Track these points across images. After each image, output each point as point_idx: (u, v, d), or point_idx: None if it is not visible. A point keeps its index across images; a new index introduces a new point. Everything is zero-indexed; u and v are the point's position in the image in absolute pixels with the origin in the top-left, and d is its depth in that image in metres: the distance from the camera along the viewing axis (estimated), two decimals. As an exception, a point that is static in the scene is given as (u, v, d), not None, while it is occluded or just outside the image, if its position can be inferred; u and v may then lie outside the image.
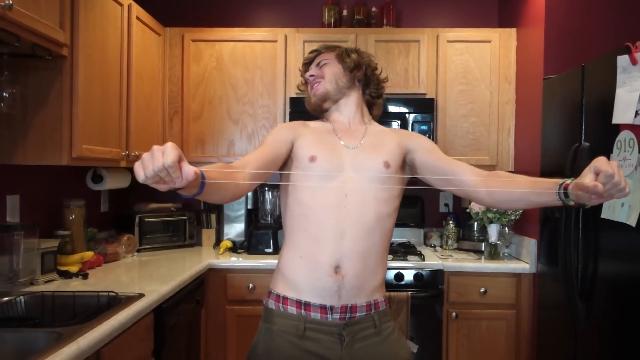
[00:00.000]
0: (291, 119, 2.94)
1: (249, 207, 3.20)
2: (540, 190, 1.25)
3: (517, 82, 2.94)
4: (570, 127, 2.14)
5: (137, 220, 2.97)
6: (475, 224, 2.95)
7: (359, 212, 1.44)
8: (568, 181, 1.17)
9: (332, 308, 1.42)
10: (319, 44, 3.01)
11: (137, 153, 2.58)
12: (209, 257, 2.81)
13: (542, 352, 2.43)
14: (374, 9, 3.26)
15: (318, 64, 1.64)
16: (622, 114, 1.70)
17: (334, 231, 1.44)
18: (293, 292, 1.46)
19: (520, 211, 2.69)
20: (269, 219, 3.10)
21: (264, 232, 2.93)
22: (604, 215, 1.81)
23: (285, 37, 3.04)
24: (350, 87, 1.61)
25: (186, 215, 3.15)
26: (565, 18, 2.55)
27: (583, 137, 2.03)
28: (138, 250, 2.93)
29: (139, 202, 3.16)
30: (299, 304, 1.45)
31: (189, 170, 0.96)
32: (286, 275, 1.50)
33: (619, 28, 2.51)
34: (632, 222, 1.62)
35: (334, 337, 1.42)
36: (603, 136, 1.85)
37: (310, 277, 1.44)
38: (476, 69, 2.97)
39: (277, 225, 3.03)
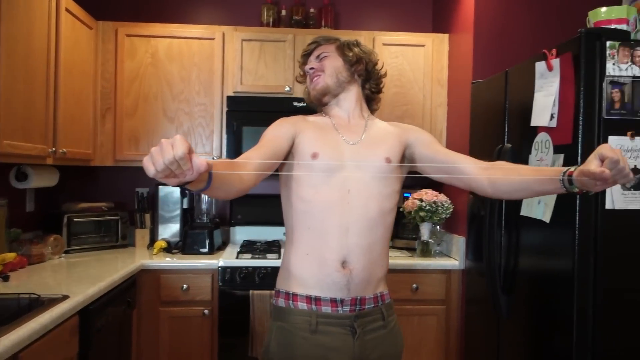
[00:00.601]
0: (228, 118, 2.92)
1: (185, 206, 3.14)
2: (544, 178, 1.25)
3: (449, 85, 3.05)
4: (495, 129, 2.24)
5: (65, 220, 2.85)
6: (409, 223, 3.03)
7: (362, 208, 1.45)
8: (572, 169, 1.18)
9: (342, 301, 1.44)
10: (256, 43, 3.04)
11: (64, 150, 2.49)
12: (142, 257, 2.74)
13: (470, 344, 2.53)
14: (312, 10, 3.29)
15: (318, 57, 1.61)
16: (539, 117, 1.80)
17: (338, 227, 1.44)
18: (302, 288, 1.47)
19: (451, 209, 2.79)
20: (205, 218, 3.06)
21: (200, 232, 2.88)
22: (523, 212, 1.91)
23: (223, 35, 3.02)
24: (350, 81, 1.60)
25: (119, 215, 3.06)
26: (493, 25, 2.67)
27: (506, 139, 2.14)
28: (66, 252, 2.82)
29: (68, 202, 3.04)
30: (309, 299, 1.45)
31: (201, 162, 0.95)
32: (293, 273, 1.49)
33: (540, 35, 2.66)
34: (547, 219, 1.72)
35: (345, 329, 1.44)
36: (523, 138, 1.95)
37: (319, 273, 1.45)
38: (410, 72, 3.06)
39: (213, 224, 3.00)
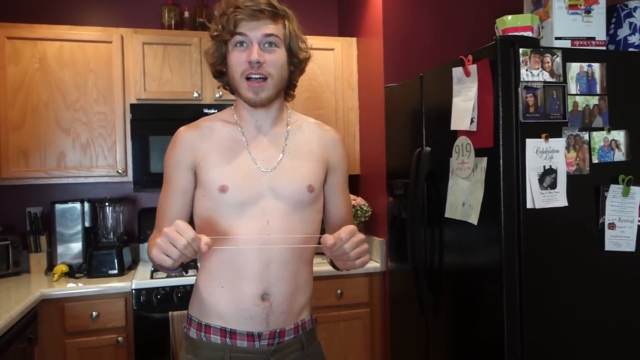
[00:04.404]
0: (132, 127, 2.71)
1: (87, 224, 2.87)
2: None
3: (360, 89, 3.08)
4: (412, 132, 2.29)
5: (-58, 250, 2.48)
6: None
7: (284, 239, 1.29)
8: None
9: (260, 335, 1.31)
10: (159, 46, 2.84)
11: (-60, 171, 2.15)
12: (40, 286, 2.46)
13: (396, 344, 2.57)
14: (216, 12, 3.15)
15: (267, 42, 1.27)
16: (459, 121, 1.86)
17: (258, 261, 1.29)
18: (216, 319, 1.32)
19: (370, 212, 2.82)
20: (112, 236, 2.82)
21: (107, 252, 2.65)
22: (448, 214, 1.96)
23: (122, 38, 2.79)
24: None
25: (8, 240, 2.71)
26: (401, 29, 2.73)
27: (424, 142, 2.19)
28: (-54, 286, 2.46)
29: (-56, 229, 2.65)
30: (223, 332, 1.31)
31: (204, 238, 1.05)
32: (207, 304, 1.34)
33: (447, 39, 2.77)
34: (474, 221, 1.77)
35: None
36: (443, 141, 2.01)
37: (236, 307, 1.30)
38: (321, 75, 3.05)
39: (122, 243, 2.77)
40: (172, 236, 1.00)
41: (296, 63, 1.36)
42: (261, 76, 1.28)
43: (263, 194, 1.31)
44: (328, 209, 1.48)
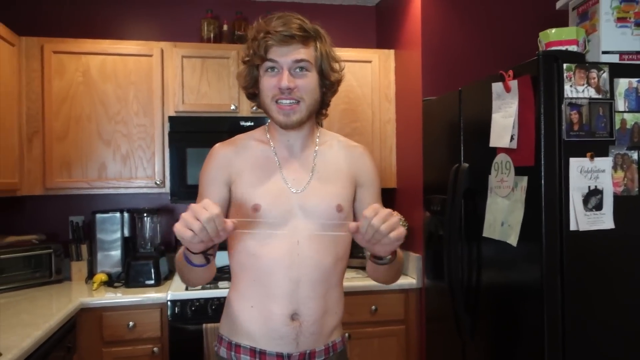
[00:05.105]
0: (170, 139, 2.75)
1: (126, 234, 2.93)
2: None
3: (397, 101, 3.04)
4: (450, 147, 2.24)
5: (-10, 257, 2.57)
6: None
7: (314, 259, 1.29)
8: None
9: (289, 356, 1.30)
10: (198, 59, 2.89)
11: (-12, 182, 2.24)
12: (80, 294, 2.52)
13: (431, 364, 2.51)
14: (248, 34, 3.17)
15: (297, 68, 1.27)
16: (498, 138, 1.80)
17: (287, 281, 1.28)
18: (246, 339, 1.32)
19: (406, 227, 2.77)
20: (149, 247, 2.87)
21: (144, 262, 2.69)
22: (486, 234, 1.90)
23: (162, 51, 2.85)
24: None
25: (52, 248, 2.79)
26: (441, 43, 2.68)
27: (462, 158, 2.13)
28: (-8, 292, 2.55)
29: (-8, 236, 2.75)
30: (253, 352, 1.30)
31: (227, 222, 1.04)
32: (237, 323, 1.34)
33: (487, 52, 2.70)
34: (514, 242, 1.71)
35: None
36: (481, 158, 1.95)
37: (265, 326, 1.30)
38: (358, 88, 3.02)
39: (159, 253, 2.81)
40: (197, 210, 1.00)
41: (328, 85, 1.35)
42: (292, 100, 1.28)
43: (293, 213, 1.31)
44: None
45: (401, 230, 1.09)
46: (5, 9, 2.82)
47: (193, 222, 1.00)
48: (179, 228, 1.02)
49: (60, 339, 2.09)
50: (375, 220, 1.06)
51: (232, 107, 2.88)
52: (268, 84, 1.29)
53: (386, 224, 1.06)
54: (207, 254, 1.16)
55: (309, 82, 1.29)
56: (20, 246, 2.73)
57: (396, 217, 1.09)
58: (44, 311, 2.21)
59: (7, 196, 2.64)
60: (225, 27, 3.13)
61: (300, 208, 1.31)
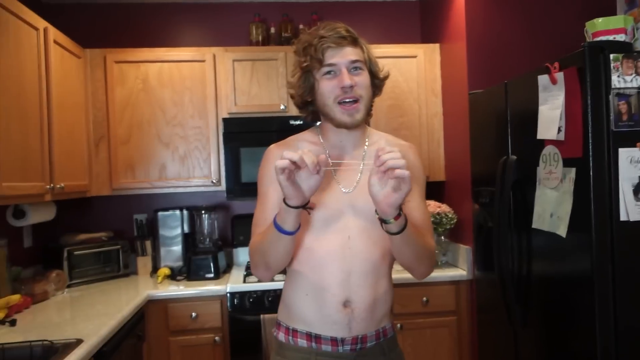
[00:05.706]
0: (225, 140, 2.89)
1: (186, 230, 3.10)
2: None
3: (443, 95, 3.06)
4: (497, 139, 2.25)
5: (65, 253, 2.79)
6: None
7: (364, 253, 1.38)
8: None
9: (343, 340, 1.39)
10: (248, 62, 3.01)
11: (62, 185, 2.43)
12: (146, 287, 2.70)
13: (484, 354, 2.54)
14: (301, 26, 3.27)
15: (354, 67, 1.34)
16: (546, 130, 1.81)
17: (340, 272, 1.38)
18: (302, 324, 1.42)
19: (455, 220, 2.80)
20: (208, 242, 3.03)
21: (204, 257, 2.85)
22: (535, 225, 1.92)
23: (214, 56, 2.99)
24: None
25: (119, 244, 3.01)
26: (486, 35, 2.68)
27: (510, 150, 2.15)
28: (69, 286, 2.76)
29: (66, 234, 2.98)
30: (309, 336, 1.40)
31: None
32: (293, 310, 1.44)
33: (533, 43, 2.68)
34: (563, 233, 1.73)
35: None
36: (529, 150, 1.96)
37: (319, 312, 1.39)
38: (404, 83, 3.06)
39: (217, 248, 2.97)
40: (289, 152, 1.14)
41: (377, 83, 1.43)
42: (353, 99, 1.35)
43: (344, 211, 1.39)
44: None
45: (405, 171, 1.14)
46: (69, 23, 3.03)
47: (293, 154, 1.12)
48: (285, 154, 1.14)
49: (131, 328, 2.27)
50: (385, 155, 1.15)
51: (282, 107, 2.98)
52: (328, 86, 1.36)
53: (388, 155, 1.14)
54: (307, 207, 1.25)
55: (365, 79, 1.36)
56: (92, 243, 2.94)
57: (398, 152, 1.15)
58: (116, 302, 2.39)
59: (78, 197, 2.86)
60: (272, 30, 3.24)
61: (350, 207, 1.39)
